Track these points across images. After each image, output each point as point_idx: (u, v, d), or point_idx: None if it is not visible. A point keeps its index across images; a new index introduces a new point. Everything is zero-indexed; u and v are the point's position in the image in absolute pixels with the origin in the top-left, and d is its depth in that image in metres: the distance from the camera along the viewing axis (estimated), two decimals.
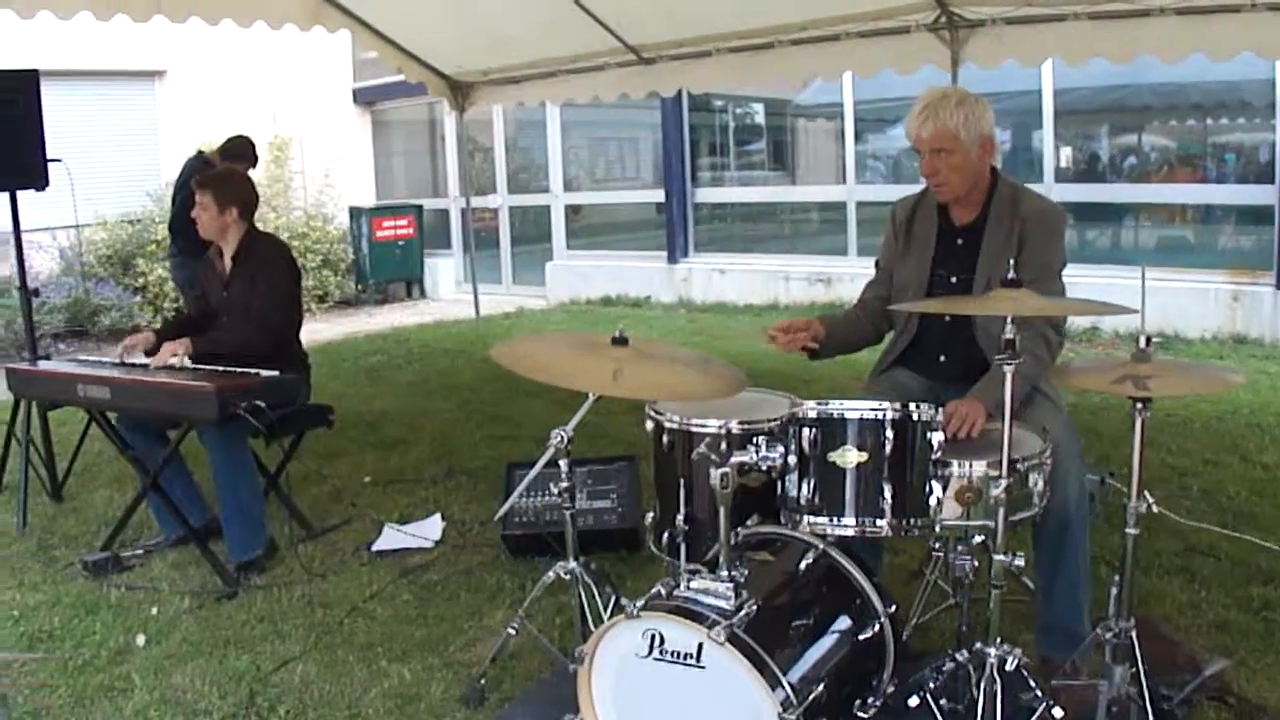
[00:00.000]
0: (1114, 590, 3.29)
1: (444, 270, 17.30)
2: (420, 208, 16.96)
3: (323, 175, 16.53)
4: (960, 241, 4.03)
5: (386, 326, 13.93)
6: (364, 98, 18.13)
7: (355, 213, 16.40)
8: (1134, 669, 3.28)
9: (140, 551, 5.51)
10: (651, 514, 3.87)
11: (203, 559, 5.21)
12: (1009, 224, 3.90)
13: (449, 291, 17.11)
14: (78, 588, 5.13)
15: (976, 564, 3.30)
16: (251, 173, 8.49)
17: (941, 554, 3.66)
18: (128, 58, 14.14)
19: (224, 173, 6.28)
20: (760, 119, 15.86)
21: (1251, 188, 11.07)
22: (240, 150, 8.63)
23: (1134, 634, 3.27)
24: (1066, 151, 12.38)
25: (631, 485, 5.34)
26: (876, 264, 4.39)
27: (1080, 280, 9.93)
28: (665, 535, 3.74)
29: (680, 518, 3.65)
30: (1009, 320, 2.97)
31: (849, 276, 12.14)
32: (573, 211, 16.59)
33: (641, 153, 16.42)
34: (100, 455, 6.98)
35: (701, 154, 15.51)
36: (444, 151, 17.79)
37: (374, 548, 5.55)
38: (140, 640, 4.53)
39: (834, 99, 13.49)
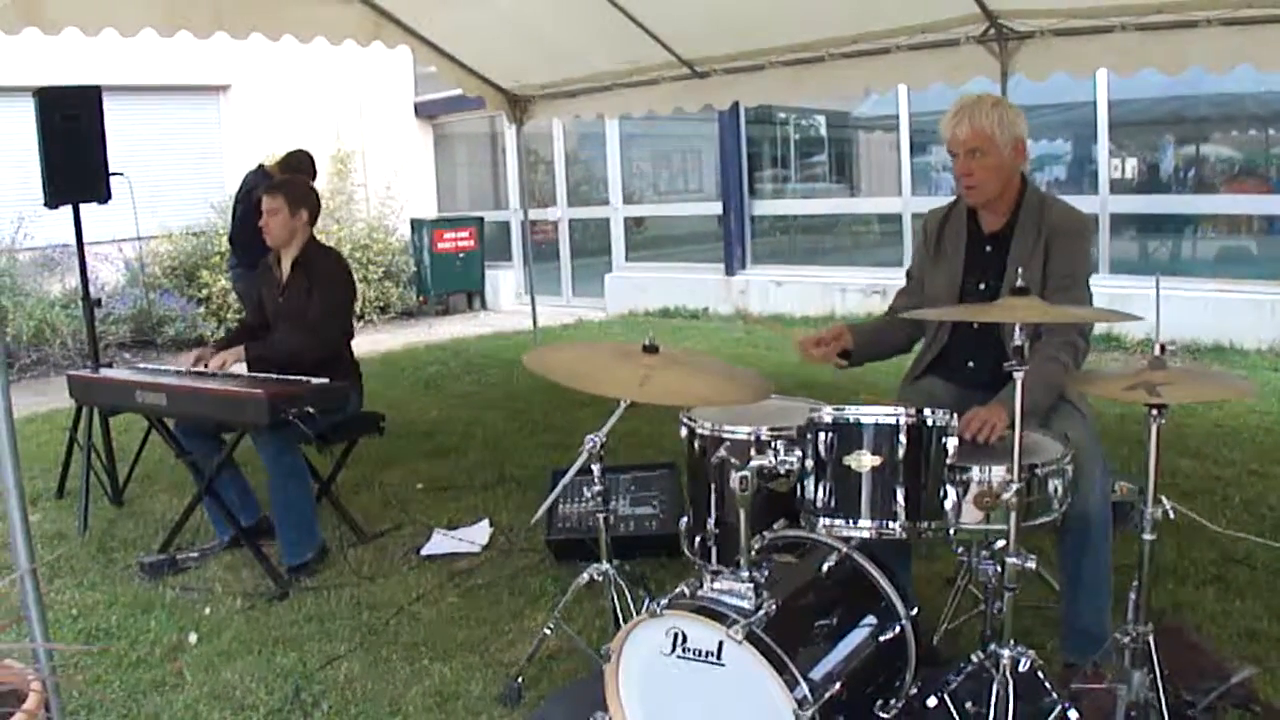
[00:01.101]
0: (1133, 595, 3.33)
1: (505, 282, 17.47)
2: (481, 220, 17.04)
3: (385, 188, 16.76)
4: (989, 249, 4.09)
5: (446, 337, 14.09)
6: (425, 111, 18.30)
7: (417, 225, 16.56)
8: (1153, 674, 3.31)
9: (196, 554, 5.65)
10: (686, 519, 3.96)
11: (255, 562, 5.33)
12: (1036, 231, 3.96)
13: (509, 303, 17.27)
14: (134, 588, 5.28)
15: (1000, 568, 3.34)
16: None
17: (966, 559, 3.71)
18: (193, 72, 14.39)
19: (293, 178, 6.45)
20: (820, 131, 15.89)
21: None
22: (299, 164, 8.80)
23: (1152, 638, 3.30)
24: (1122, 163, 12.34)
25: (673, 491, 5.44)
26: (908, 274, 4.46)
27: (1135, 291, 10.00)
28: (697, 539, 3.83)
29: (711, 521, 3.75)
30: (1018, 327, 3.04)
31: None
32: (635, 224, 16.70)
33: (701, 166, 16.47)
34: (160, 462, 7.13)
35: (761, 166, 15.59)
36: (505, 164, 17.93)
37: (423, 552, 5.67)
38: (193, 638, 4.68)
39: (891, 111, 13.54)
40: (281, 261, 5.93)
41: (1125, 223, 12.11)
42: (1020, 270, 3.31)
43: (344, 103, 16.23)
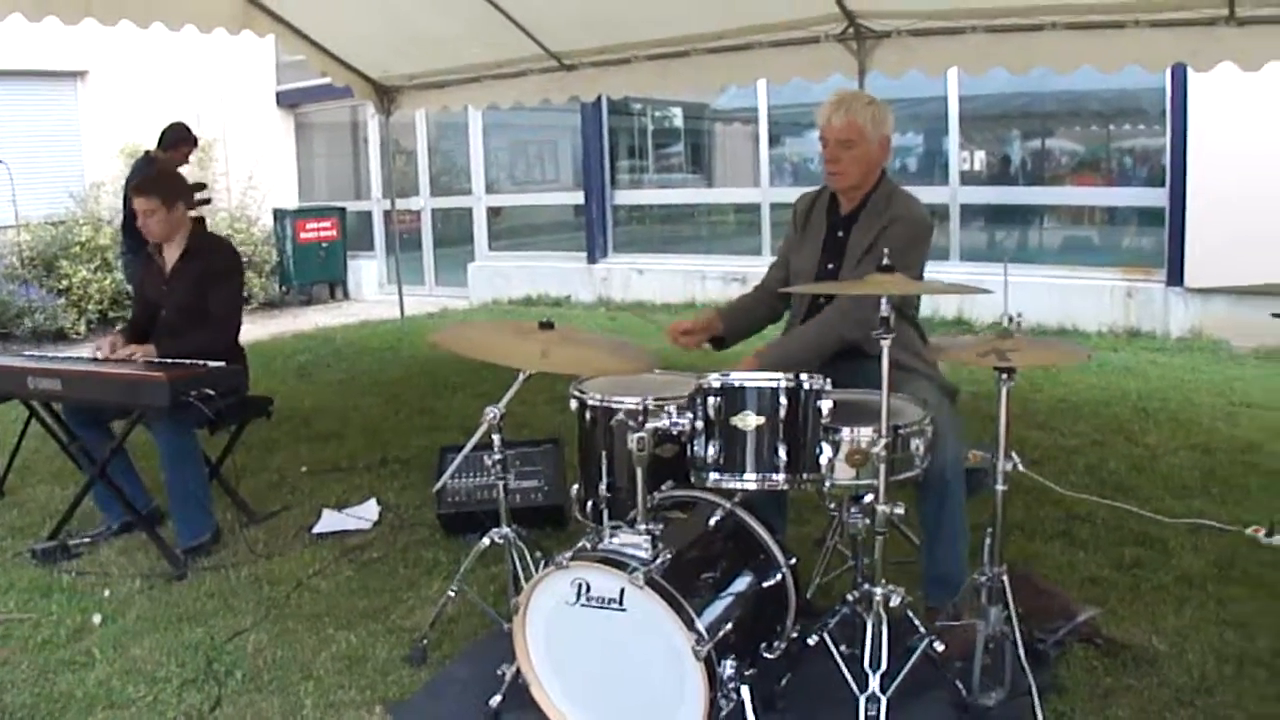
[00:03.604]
0: (987, 541, 3.71)
1: (367, 272, 17.54)
2: (343, 210, 17.16)
3: (246, 177, 16.68)
4: (840, 233, 4.47)
5: (312, 327, 14.12)
6: (287, 100, 18.24)
7: (279, 215, 16.56)
8: (1007, 610, 3.69)
9: (87, 539, 5.68)
10: (576, 486, 4.24)
11: (148, 544, 5.44)
12: (876, 220, 4.33)
13: (372, 293, 17.35)
14: (29, 574, 5.31)
15: (869, 520, 3.69)
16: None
17: (837, 514, 4.05)
18: (50, 58, 14.16)
19: (159, 173, 6.48)
20: (679, 123, 16.24)
21: (1145, 190, 11.68)
22: (180, 135, 8.89)
23: (1005, 578, 3.69)
24: (970, 155, 12.90)
25: (556, 466, 5.71)
26: (780, 251, 4.84)
27: (985, 277, 10.48)
28: (589, 504, 4.11)
29: (603, 486, 4.03)
30: (884, 300, 3.40)
31: (763, 276, 12.52)
32: (494, 214, 16.89)
33: (562, 155, 16.71)
34: (37, 453, 7.06)
35: (618, 156, 15.88)
36: (367, 154, 17.94)
37: (314, 530, 5.84)
38: (96, 619, 4.76)
39: (750, 104, 13.92)
40: (164, 251, 5.97)
41: (974, 213, 12.72)
42: (887, 251, 3.67)
43: (204, 91, 16.02)
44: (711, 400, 3.59)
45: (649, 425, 3.48)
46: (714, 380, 3.61)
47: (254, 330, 13.62)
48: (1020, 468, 3.69)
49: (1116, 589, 4.74)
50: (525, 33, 8.88)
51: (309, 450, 7.47)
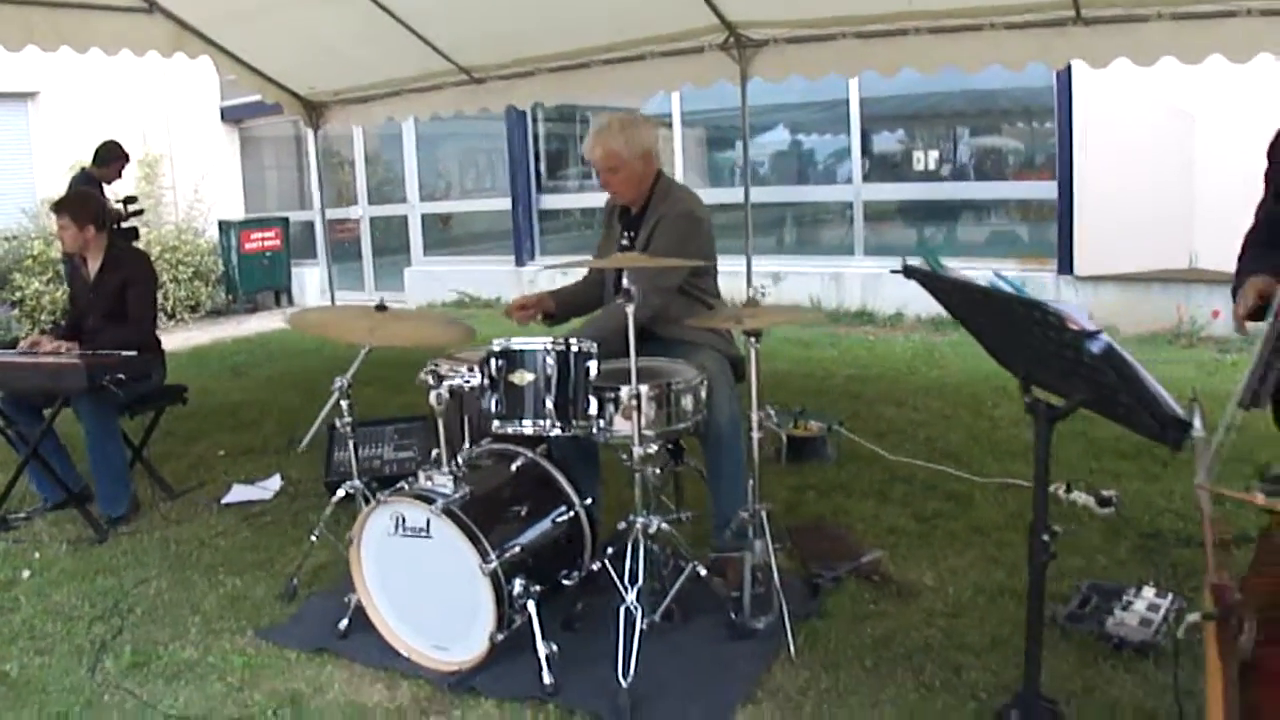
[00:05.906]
0: (750, 483, 4.47)
1: (310, 279, 18.06)
2: (286, 220, 17.72)
3: (193, 190, 17.27)
4: (631, 233, 5.21)
5: (253, 332, 14.77)
6: (231, 115, 18.82)
7: (224, 226, 17.07)
8: (767, 543, 4.41)
9: (24, 515, 6.43)
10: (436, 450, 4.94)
11: (77, 518, 6.18)
12: (654, 217, 5.07)
13: (315, 299, 17.80)
14: None
15: (658, 470, 4.42)
16: (120, 183, 9.40)
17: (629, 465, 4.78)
18: (1, 80, 14.78)
19: (76, 195, 7.13)
20: None
21: (1038, 184, 12.39)
22: (112, 153, 9.58)
23: (765, 513, 4.42)
24: (873, 155, 13.66)
25: (428, 438, 6.38)
26: (599, 245, 5.63)
27: (887, 271, 11.15)
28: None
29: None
30: (625, 274, 4.20)
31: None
32: (441, 222, 17.56)
33: (495, 163, 17.26)
34: None
35: (565, 164, 16.63)
36: (309, 166, 18.36)
37: (223, 501, 6.61)
38: (25, 574, 5.53)
39: (667, 110, 14.67)
40: (88, 262, 6.68)
41: (878, 210, 13.49)
42: (648, 236, 4.46)
43: (151, 108, 16.68)
44: (495, 362, 4.35)
45: (445, 384, 4.25)
46: (497, 345, 4.36)
47: (197, 336, 14.30)
48: (773, 417, 4.44)
49: (910, 537, 5.44)
50: (437, 51, 9.47)
51: (229, 437, 8.21)
